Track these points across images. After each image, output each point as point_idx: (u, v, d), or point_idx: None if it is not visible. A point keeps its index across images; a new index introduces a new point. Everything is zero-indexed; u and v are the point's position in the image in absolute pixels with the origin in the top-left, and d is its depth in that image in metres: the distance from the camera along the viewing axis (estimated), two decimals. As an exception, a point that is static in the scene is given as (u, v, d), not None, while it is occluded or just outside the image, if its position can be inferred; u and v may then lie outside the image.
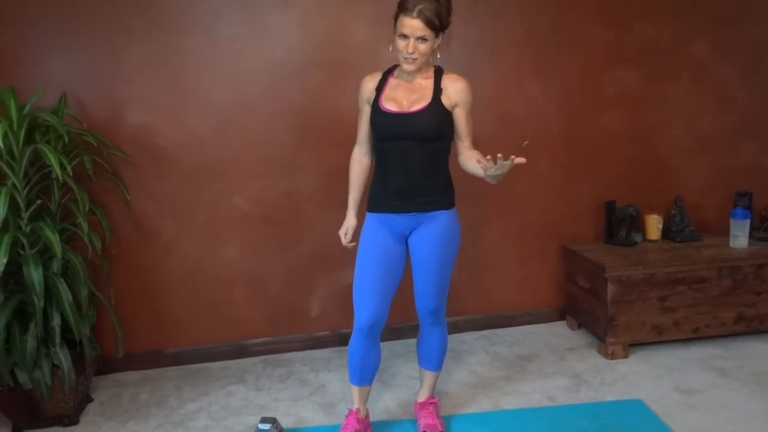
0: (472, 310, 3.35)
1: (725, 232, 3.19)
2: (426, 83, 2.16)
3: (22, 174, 2.47)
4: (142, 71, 2.87)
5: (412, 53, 2.05)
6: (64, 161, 2.44)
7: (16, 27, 2.76)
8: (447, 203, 2.22)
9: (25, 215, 2.51)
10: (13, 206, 2.41)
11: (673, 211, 3.27)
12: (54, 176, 2.51)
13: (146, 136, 2.93)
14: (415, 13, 2.00)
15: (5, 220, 2.35)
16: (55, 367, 2.54)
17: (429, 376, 2.45)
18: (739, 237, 3.08)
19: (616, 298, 2.88)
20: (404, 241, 2.24)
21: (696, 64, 3.28)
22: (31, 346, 2.47)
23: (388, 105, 2.16)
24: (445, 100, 2.14)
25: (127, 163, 2.92)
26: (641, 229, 3.28)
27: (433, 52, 2.11)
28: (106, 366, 3.05)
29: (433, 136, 2.13)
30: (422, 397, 2.47)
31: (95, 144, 2.71)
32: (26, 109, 2.55)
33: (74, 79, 2.83)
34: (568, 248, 3.27)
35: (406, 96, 2.16)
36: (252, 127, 3.01)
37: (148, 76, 2.88)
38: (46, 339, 2.54)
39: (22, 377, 2.51)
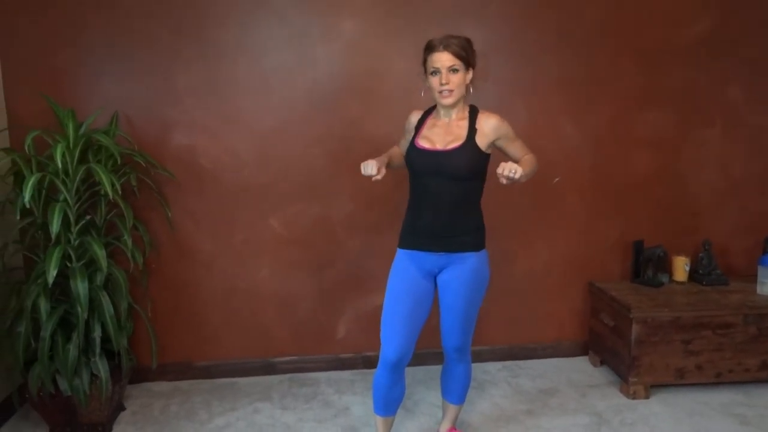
0: (496, 340, 3.40)
1: (753, 278, 3.21)
2: (462, 123, 2.24)
3: (74, 191, 2.60)
4: (190, 95, 3.00)
5: (446, 84, 2.14)
6: (115, 180, 2.56)
7: (76, 50, 2.92)
8: (477, 245, 2.27)
9: (75, 230, 2.63)
10: (64, 221, 2.53)
11: (701, 254, 3.29)
12: (103, 193, 2.64)
13: (190, 157, 3.05)
14: (441, 47, 2.13)
15: (57, 235, 2.48)
16: (94, 376, 2.65)
17: (452, 408, 2.50)
18: (767, 284, 3.09)
19: (640, 338, 2.91)
20: (433, 278, 2.31)
21: (729, 109, 3.31)
22: (73, 356, 2.58)
23: (423, 143, 2.24)
24: (481, 139, 2.20)
25: (171, 181, 3.04)
26: (668, 270, 3.31)
27: (466, 87, 2.20)
28: (139, 375, 3.16)
29: (465, 175, 2.19)
30: (444, 428, 2.53)
31: (143, 164, 2.84)
32: (82, 130, 2.68)
33: (126, 100, 2.97)
34: (594, 285, 3.31)
35: (442, 137, 2.23)
36: (291, 152, 3.11)
37: (196, 99, 3.01)
38: (86, 349, 2.65)
39: (63, 384, 2.62)
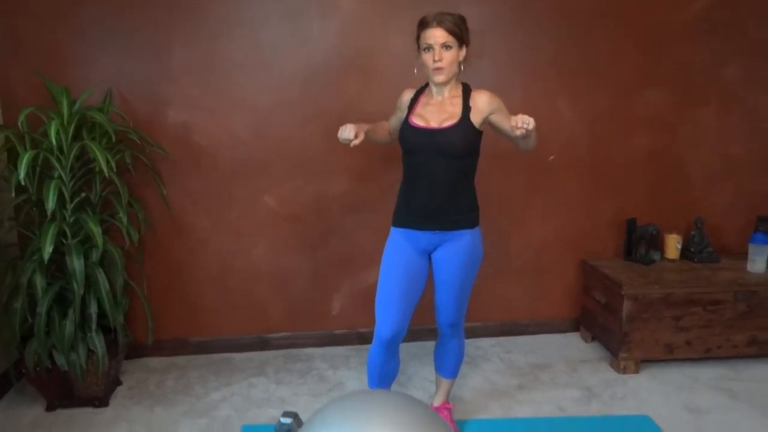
0: (489, 316, 3.44)
1: (743, 256, 3.24)
2: (455, 101, 2.24)
3: (68, 168, 2.60)
4: (185, 72, 2.99)
5: (439, 60, 2.14)
6: (110, 158, 2.56)
7: (70, 27, 2.89)
8: (471, 222, 2.29)
9: (70, 207, 2.64)
10: (59, 198, 2.53)
11: (693, 232, 3.33)
12: (98, 170, 2.64)
13: (185, 134, 3.05)
14: (435, 23, 2.13)
15: (52, 211, 2.48)
16: (90, 352, 2.68)
17: (445, 383, 2.54)
18: (757, 262, 3.13)
19: (632, 315, 2.95)
20: (427, 256, 2.33)
21: (726, 89, 3.31)
22: (69, 331, 2.60)
23: (417, 121, 2.24)
24: (475, 116, 2.20)
25: (166, 159, 3.04)
26: (660, 248, 3.34)
27: (458, 64, 2.19)
28: (135, 351, 3.19)
29: (460, 152, 2.20)
30: (437, 402, 2.57)
31: (138, 141, 2.84)
32: (76, 107, 2.67)
33: (120, 77, 2.95)
34: (587, 263, 3.34)
35: (436, 114, 2.23)
36: (287, 130, 3.11)
37: (191, 77, 2.99)
38: (82, 324, 2.67)
39: (59, 359, 2.65)
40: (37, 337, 2.57)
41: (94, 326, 2.67)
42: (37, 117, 2.71)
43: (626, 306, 2.94)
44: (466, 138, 2.19)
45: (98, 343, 2.67)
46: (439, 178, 2.21)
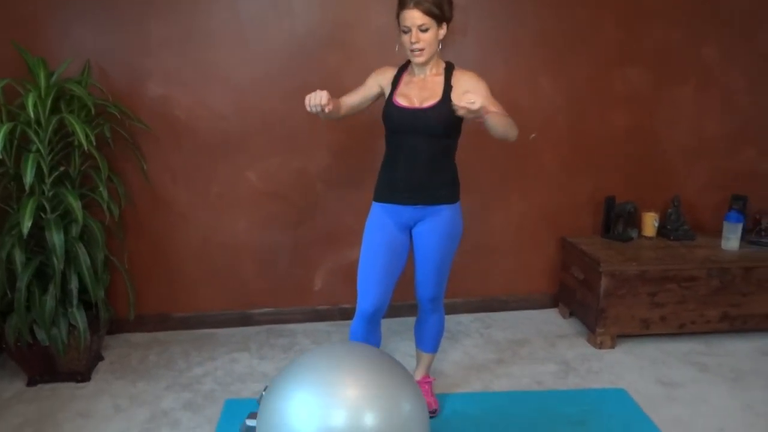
0: (470, 293, 3.49)
1: (718, 233, 3.31)
2: (437, 80, 2.24)
3: (46, 141, 2.56)
4: (165, 45, 2.94)
5: (416, 43, 2.13)
6: (89, 131, 2.53)
7: (45, -3, 2.82)
8: (452, 198, 2.31)
9: (48, 181, 2.61)
10: (37, 172, 2.50)
11: (669, 210, 3.38)
12: (77, 144, 2.61)
13: (166, 108, 3.01)
14: (412, 4, 2.09)
15: (30, 185, 2.45)
16: (71, 327, 2.67)
17: (425, 357, 2.58)
18: (731, 239, 3.20)
19: (609, 291, 3.01)
20: (408, 231, 2.35)
21: (704, 68, 3.35)
22: (50, 306, 2.59)
23: (401, 100, 2.24)
24: (456, 96, 2.19)
25: (146, 133, 3.00)
26: (638, 225, 3.40)
27: (438, 42, 2.17)
28: (117, 326, 3.19)
29: (441, 132, 2.21)
30: (418, 376, 2.61)
31: (118, 115, 2.80)
32: (53, 79, 2.63)
33: (98, 50, 2.90)
34: (565, 240, 3.39)
35: (418, 93, 2.24)
36: (268, 104, 3.09)
37: (171, 50, 2.95)
38: (63, 300, 2.66)
39: (40, 334, 2.64)
40: (18, 312, 2.56)
41: (75, 301, 2.66)
42: (13, 89, 2.66)
43: (603, 282, 3.00)
44: (446, 118, 2.19)
45: (79, 318, 2.66)
46: (420, 155, 2.22)
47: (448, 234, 2.32)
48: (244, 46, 3.00)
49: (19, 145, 2.60)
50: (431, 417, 2.48)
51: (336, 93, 3.05)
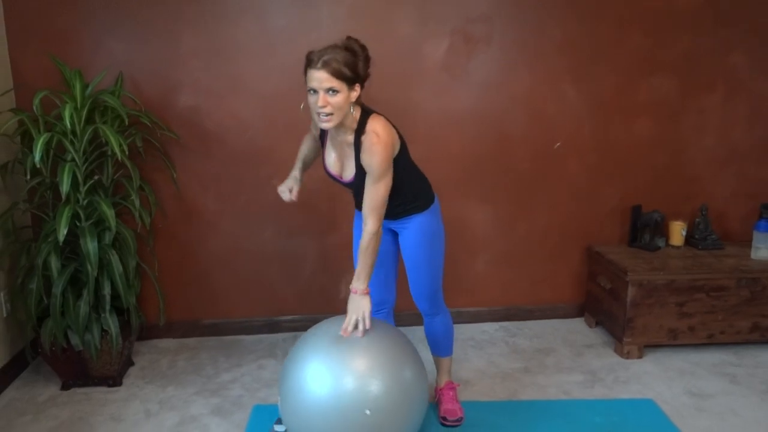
0: (495, 301, 3.48)
1: (748, 243, 3.27)
2: (350, 148, 2.11)
3: (81, 151, 2.63)
4: (195, 56, 3.01)
5: (323, 107, 1.95)
6: (122, 141, 2.59)
7: (79, 11, 2.92)
8: (418, 209, 2.29)
9: (83, 189, 2.68)
10: (72, 181, 2.57)
11: (697, 219, 3.35)
12: (110, 154, 2.68)
13: (195, 118, 3.08)
14: (319, 65, 1.92)
15: (67, 194, 2.52)
16: (104, 332, 2.73)
17: (441, 361, 2.59)
18: (761, 249, 3.15)
19: (636, 300, 2.99)
20: (394, 233, 2.39)
21: (732, 76, 3.32)
22: (84, 312, 2.66)
23: (330, 167, 2.23)
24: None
25: (176, 142, 3.07)
26: (665, 234, 3.37)
27: (350, 105, 2.01)
28: (147, 332, 3.25)
29: None
30: (442, 382, 2.62)
31: (149, 125, 2.87)
32: (88, 90, 2.70)
33: (131, 61, 2.98)
34: (592, 249, 3.38)
35: (338, 157, 2.19)
36: (294, 115, 3.10)
37: (201, 61, 3.02)
38: (96, 305, 2.72)
39: (74, 339, 2.70)
40: (53, 317, 2.63)
41: (107, 307, 2.72)
42: (49, 100, 2.74)
43: (631, 292, 2.98)
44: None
45: (112, 323, 2.72)
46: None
47: (424, 233, 2.31)
48: (272, 58, 3.06)
49: (56, 155, 2.68)
50: (456, 425, 2.49)
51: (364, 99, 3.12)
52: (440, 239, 2.37)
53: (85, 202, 2.69)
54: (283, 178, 3.17)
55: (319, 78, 1.94)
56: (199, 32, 2.99)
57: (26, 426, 2.53)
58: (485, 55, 3.15)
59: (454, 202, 3.30)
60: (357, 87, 2.02)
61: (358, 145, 2.07)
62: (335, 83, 1.94)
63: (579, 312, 3.54)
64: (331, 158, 2.22)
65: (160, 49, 2.99)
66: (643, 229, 3.33)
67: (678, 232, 3.33)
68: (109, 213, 2.61)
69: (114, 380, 2.84)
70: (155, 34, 2.97)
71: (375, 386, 1.97)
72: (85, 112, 2.63)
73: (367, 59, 2.05)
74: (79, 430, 2.49)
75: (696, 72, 3.30)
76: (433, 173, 3.23)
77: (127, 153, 2.63)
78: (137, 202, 2.77)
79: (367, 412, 1.96)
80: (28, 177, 2.62)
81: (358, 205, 2.30)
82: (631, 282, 2.97)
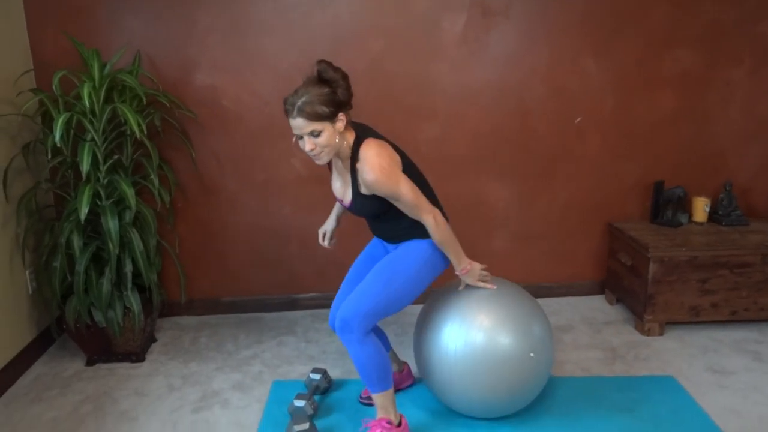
0: (513, 278, 3.44)
1: (773, 219, 3.21)
2: (347, 166, 2.11)
3: (101, 130, 2.65)
4: (211, 34, 3.00)
5: (311, 150, 1.98)
6: (141, 120, 2.60)
7: (96, -12, 2.91)
8: (420, 236, 2.18)
9: (103, 169, 2.70)
10: (93, 160, 2.59)
11: (721, 195, 3.29)
12: (129, 133, 2.70)
13: (213, 97, 3.08)
14: (295, 113, 1.93)
15: (87, 173, 2.55)
16: (126, 309, 2.77)
17: (373, 397, 2.20)
18: (787, 225, 3.09)
19: (657, 277, 2.95)
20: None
21: (760, 47, 3.22)
22: (106, 289, 2.70)
23: (335, 189, 2.25)
24: (365, 189, 2.07)
25: (193, 121, 3.08)
26: (688, 210, 3.31)
27: (338, 136, 2.00)
28: (168, 310, 3.30)
29: (373, 217, 2.23)
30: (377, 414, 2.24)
31: (167, 104, 2.88)
32: (106, 70, 2.71)
33: (148, 39, 2.98)
34: (612, 225, 3.34)
35: (340, 182, 2.20)
36: (312, 92, 3.11)
37: (217, 39, 3.01)
38: (118, 283, 2.76)
39: (98, 316, 2.75)
40: (77, 294, 2.68)
41: (129, 285, 2.76)
42: (68, 80, 2.76)
43: (652, 268, 2.94)
44: (369, 208, 2.13)
45: (134, 301, 2.76)
46: (371, 223, 2.30)
47: (409, 253, 2.18)
48: (288, 33, 3.04)
49: (76, 135, 2.70)
50: None
51: (379, 77, 3.10)
52: (421, 274, 2.16)
53: (106, 181, 2.71)
54: (301, 155, 3.20)
55: (299, 125, 1.96)
56: (215, 9, 2.98)
57: (53, 399, 2.59)
58: (504, 29, 3.09)
59: (472, 178, 3.28)
60: (341, 116, 2.00)
61: (354, 172, 2.07)
62: (315, 125, 1.95)
63: (599, 289, 3.52)
64: (336, 185, 2.24)
65: (177, 27, 2.99)
66: (666, 205, 3.28)
67: (701, 208, 3.28)
68: (129, 192, 2.63)
69: (137, 356, 2.89)
70: (171, 12, 2.96)
71: (504, 339, 2.18)
72: (103, 92, 2.64)
73: (346, 81, 2.00)
74: (104, 404, 2.55)
75: (722, 43, 3.21)
76: (451, 149, 3.23)
77: (145, 132, 2.65)
78: (156, 181, 2.79)
79: (531, 354, 2.19)
80: (50, 156, 2.64)
81: (371, 229, 2.34)
82: (653, 258, 2.93)
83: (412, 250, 2.18)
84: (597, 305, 3.41)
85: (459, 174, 3.25)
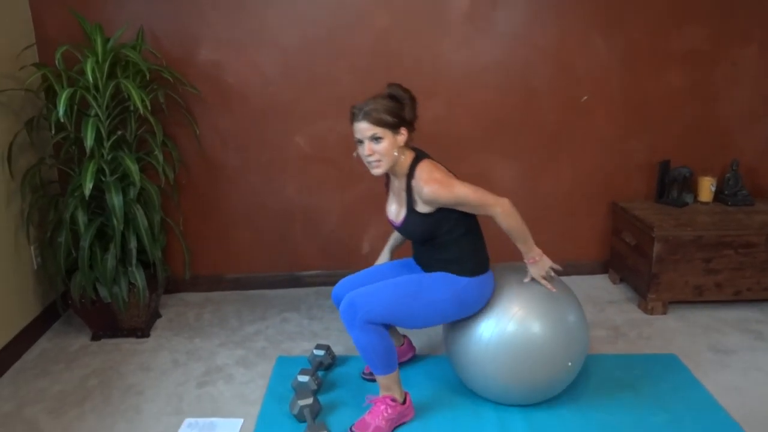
0: (517, 257, 3.45)
1: (779, 199, 3.19)
2: (403, 185, 2.15)
3: (105, 106, 2.64)
4: (215, 10, 2.97)
5: (370, 155, 2.05)
6: (144, 96, 2.59)
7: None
8: (455, 271, 2.17)
9: (107, 145, 2.69)
10: (96, 136, 2.58)
11: (727, 175, 3.27)
12: (133, 109, 2.68)
13: (216, 73, 3.06)
14: (360, 116, 2.02)
15: (91, 148, 2.54)
16: (131, 285, 2.79)
17: (377, 378, 2.20)
18: (793, 205, 3.08)
19: (661, 257, 2.95)
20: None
21: (769, 25, 3.19)
22: (111, 265, 2.71)
23: (390, 212, 2.26)
24: (422, 207, 2.10)
25: (197, 98, 3.06)
26: (693, 190, 3.30)
27: (397, 149, 2.06)
28: (173, 286, 3.32)
29: (420, 240, 2.22)
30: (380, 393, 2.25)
31: (171, 80, 2.86)
32: (110, 45, 2.69)
33: (151, 14, 2.96)
34: (617, 204, 3.33)
35: (395, 202, 2.23)
36: (316, 67, 3.09)
37: (221, 14, 2.98)
38: (123, 259, 2.77)
39: (103, 292, 2.76)
40: (81, 270, 2.69)
41: (134, 261, 2.77)
42: (71, 55, 2.74)
43: (656, 247, 2.94)
44: (421, 229, 2.14)
45: (138, 276, 2.77)
46: (415, 246, 2.32)
47: (436, 277, 2.18)
48: (293, 9, 3.01)
49: (79, 110, 2.69)
50: None
51: (384, 54, 3.07)
52: (445, 304, 2.14)
53: (110, 157, 2.71)
54: (305, 133, 3.18)
55: (362, 128, 2.04)
56: (219, -16, 2.95)
57: (60, 373, 2.61)
58: (511, 6, 3.06)
59: (477, 156, 3.26)
60: (403, 131, 2.08)
61: (410, 190, 2.11)
62: (377, 130, 2.02)
63: (603, 268, 3.52)
64: (392, 208, 2.26)
65: (180, 1, 2.95)
66: (671, 185, 3.27)
67: (707, 187, 3.26)
68: (133, 168, 2.63)
69: (142, 332, 2.91)
70: (174, -13, 2.94)
71: (536, 327, 2.20)
72: (106, 67, 2.62)
73: (413, 102, 2.10)
74: (110, 378, 2.57)
75: (731, 21, 3.17)
76: (456, 127, 3.21)
77: (149, 108, 2.63)
78: (161, 158, 2.79)
79: (569, 363, 2.21)
80: (53, 132, 2.64)
81: (414, 256, 2.36)
82: (657, 238, 2.93)
83: (447, 279, 2.17)
84: (600, 284, 3.41)
85: (463, 152, 3.24)
